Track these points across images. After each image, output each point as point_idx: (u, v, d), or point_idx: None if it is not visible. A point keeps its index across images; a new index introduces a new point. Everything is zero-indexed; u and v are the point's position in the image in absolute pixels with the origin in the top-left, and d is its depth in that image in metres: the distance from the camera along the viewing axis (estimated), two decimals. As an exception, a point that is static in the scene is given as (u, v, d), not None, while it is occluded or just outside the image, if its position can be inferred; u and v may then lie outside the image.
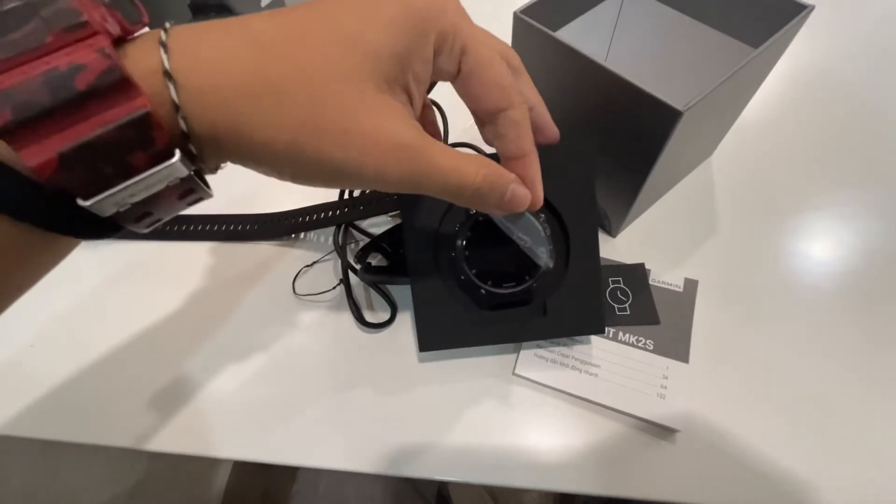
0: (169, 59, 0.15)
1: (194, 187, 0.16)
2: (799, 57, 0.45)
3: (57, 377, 0.31)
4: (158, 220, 0.17)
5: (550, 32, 0.28)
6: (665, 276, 0.33)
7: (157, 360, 0.32)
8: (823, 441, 0.28)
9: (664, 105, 0.24)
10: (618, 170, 0.31)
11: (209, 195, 0.18)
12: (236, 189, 0.39)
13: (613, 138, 0.29)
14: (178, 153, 0.15)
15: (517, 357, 0.30)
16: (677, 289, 0.32)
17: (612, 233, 0.36)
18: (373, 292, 0.34)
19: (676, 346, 0.30)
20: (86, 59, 0.13)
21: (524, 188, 0.20)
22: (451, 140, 0.39)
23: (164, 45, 0.15)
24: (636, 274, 0.33)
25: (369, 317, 0.33)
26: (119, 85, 0.13)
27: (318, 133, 0.16)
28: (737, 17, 0.32)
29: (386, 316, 0.32)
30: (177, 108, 0.15)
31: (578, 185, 0.28)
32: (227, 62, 0.15)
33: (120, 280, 0.36)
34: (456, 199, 0.19)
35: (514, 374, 0.30)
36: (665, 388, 0.29)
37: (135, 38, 0.15)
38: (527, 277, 0.28)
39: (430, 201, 0.29)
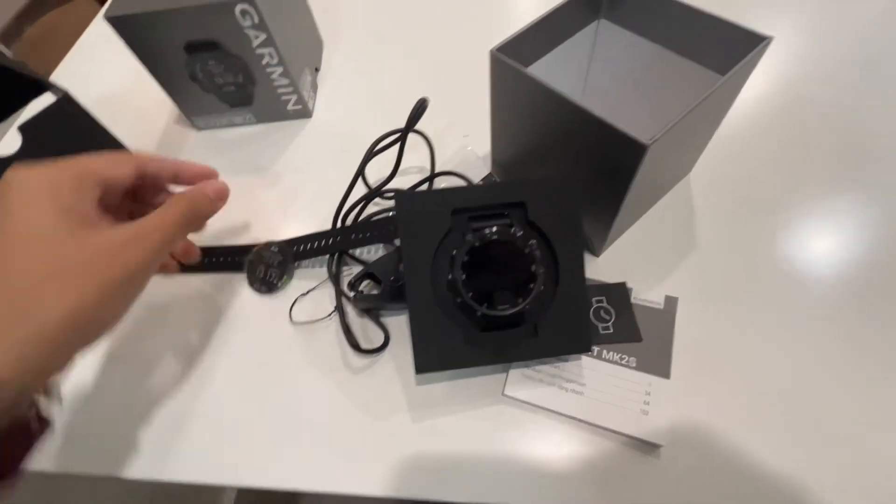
0: None
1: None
2: (773, 73, 0.47)
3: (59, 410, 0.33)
4: None
5: (523, 69, 0.30)
6: (646, 293, 0.34)
7: (154, 390, 0.33)
8: (806, 453, 0.29)
9: (631, 139, 0.26)
10: (595, 196, 0.32)
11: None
12: (232, 219, 0.40)
13: (588, 168, 0.31)
14: None
15: (506, 378, 0.32)
16: (658, 306, 0.34)
17: (595, 253, 0.37)
18: (367, 319, 0.35)
19: (658, 363, 0.31)
20: None
21: (213, 183, 0.30)
22: (437, 168, 0.40)
23: None
24: (618, 293, 0.34)
25: (364, 343, 0.34)
26: None
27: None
28: (704, 47, 0.34)
29: (380, 342, 0.34)
30: None
31: (566, 213, 0.30)
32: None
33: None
34: (192, 228, 0.28)
35: (503, 394, 0.31)
36: (648, 403, 0.30)
37: None
38: (520, 300, 0.29)
39: (426, 227, 0.30)
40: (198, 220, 0.29)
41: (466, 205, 0.30)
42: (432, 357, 0.30)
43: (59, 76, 0.56)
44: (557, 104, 0.29)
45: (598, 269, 0.36)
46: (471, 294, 0.29)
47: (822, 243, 0.37)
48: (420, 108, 0.35)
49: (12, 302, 0.20)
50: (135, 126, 0.49)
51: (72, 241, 0.22)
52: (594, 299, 0.34)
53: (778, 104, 0.45)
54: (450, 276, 0.30)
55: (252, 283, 0.36)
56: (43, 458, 0.31)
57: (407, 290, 0.30)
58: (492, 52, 0.31)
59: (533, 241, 0.29)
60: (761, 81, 0.46)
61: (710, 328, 0.33)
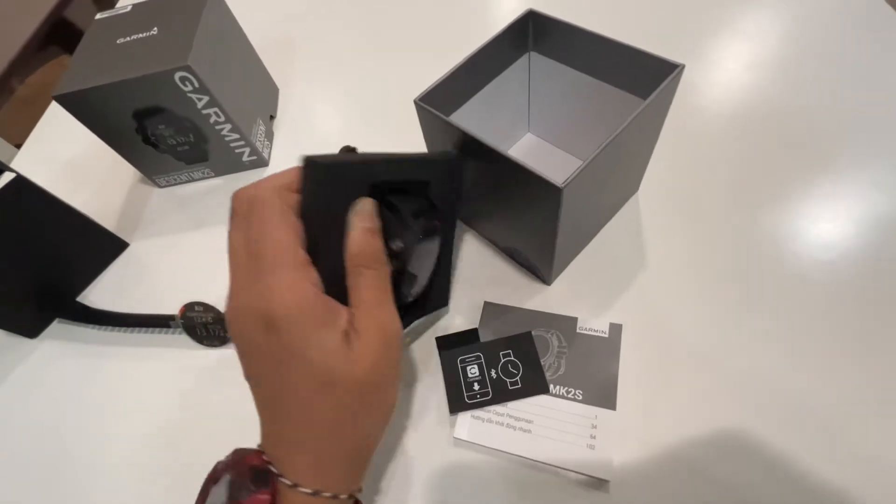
0: None
1: None
2: (715, 84, 0.47)
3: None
4: None
5: (444, 117, 0.31)
6: (595, 319, 0.35)
7: (147, 448, 0.34)
8: (759, 479, 0.28)
9: (546, 182, 0.26)
10: (532, 231, 0.33)
11: None
12: (200, 273, 0.41)
13: (520, 206, 0.31)
14: None
15: (455, 420, 0.32)
16: (603, 335, 0.34)
17: (547, 281, 0.37)
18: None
19: (604, 394, 0.31)
20: None
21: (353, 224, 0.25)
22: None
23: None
24: (524, 344, 0.34)
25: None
26: None
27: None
28: (626, 74, 0.34)
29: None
30: None
31: (454, 193, 0.32)
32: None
33: (103, 366, 0.38)
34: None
35: (453, 437, 0.32)
36: (594, 437, 0.30)
37: None
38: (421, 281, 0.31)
39: (340, 201, 0.25)
40: (381, 258, 0.25)
41: (386, 178, 0.27)
42: None
43: (33, 140, 0.59)
44: (480, 150, 0.29)
45: (550, 297, 0.37)
46: None
47: (768, 257, 0.36)
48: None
49: (340, 431, 0.23)
50: (102, 186, 0.51)
51: (350, 358, 0.22)
52: (501, 353, 0.34)
53: (724, 112, 0.45)
54: None
55: (201, 342, 0.37)
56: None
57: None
58: (415, 101, 0.32)
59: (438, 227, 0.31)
60: (706, 91, 0.47)
61: (653, 354, 0.33)
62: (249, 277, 0.22)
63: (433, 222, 0.31)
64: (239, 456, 0.24)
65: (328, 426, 0.23)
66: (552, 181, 0.26)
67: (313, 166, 0.24)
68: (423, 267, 0.31)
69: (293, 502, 0.22)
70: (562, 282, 0.37)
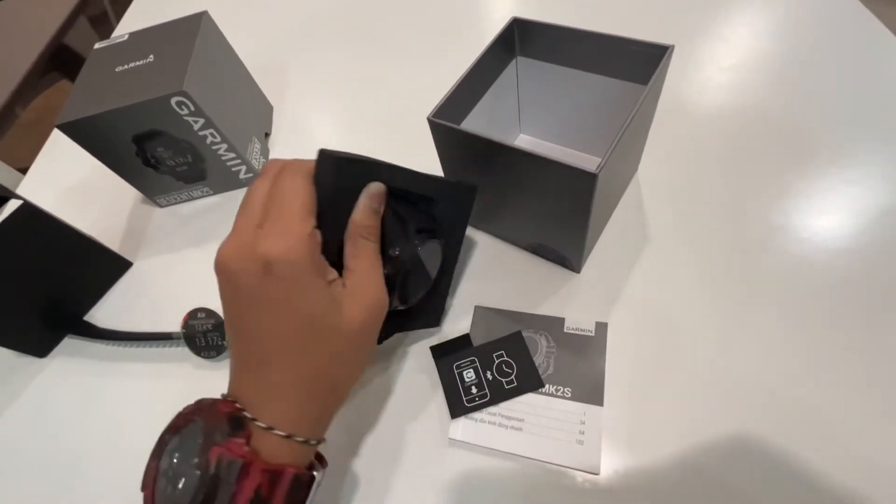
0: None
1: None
2: (700, 69, 0.48)
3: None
4: None
5: (462, 128, 0.32)
6: (579, 321, 0.36)
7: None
8: (746, 475, 0.29)
9: (580, 171, 0.27)
10: (561, 223, 0.34)
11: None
12: (207, 289, 0.43)
13: (548, 201, 0.33)
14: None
15: (450, 422, 0.33)
16: (589, 333, 0.35)
17: (576, 270, 0.39)
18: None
19: (591, 391, 0.33)
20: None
21: (361, 202, 0.27)
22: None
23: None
24: (515, 343, 0.35)
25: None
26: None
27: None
28: (617, 63, 0.36)
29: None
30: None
31: (461, 215, 0.34)
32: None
33: (101, 383, 0.40)
34: (378, 249, 0.28)
35: (449, 438, 0.33)
36: (583, 433, 0.31)
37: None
38: (417, 294, 0.32)
39: (351, 198, 0.27)
40: (378, 232, 0.28)
41: (394, 185, 0.29)
42: None
43: (39, 164, 0.60)
44: (502, 152, 0.30)
45: (581, 284, 0.38)
46: None
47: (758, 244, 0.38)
48: None
49: (314, 374, 0.25)
50: (106, 208, 0.52)
51: (338, 310, 0.25)
52: (494, 355, 0.35)
53: (711, 103, 0.47)
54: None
55: (199, 353, 0.38)
56: None
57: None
58: (429, 119, 0.33)
59: (443, 243, 0.32)
60: (691, 77, 0.48)
61: (639, 352, 0.34)
62: (257, 223, 0.24)
63: (435, 241, 0.32)
64: (206, 404, 0.25)
65: (309, 373, 0.25)
66: (587, 169, 0.27)
67: (327, 159, 0.25)
68: (417, 284, 0.32)
69: (267, 444, 0.23)
70: (588, 269, 0.39)
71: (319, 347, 0.25)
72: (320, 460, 0.28)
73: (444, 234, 0.33)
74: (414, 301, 0.32)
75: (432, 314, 0.37)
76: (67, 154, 0.59)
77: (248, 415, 0.24)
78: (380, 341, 0.36)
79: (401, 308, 0.32)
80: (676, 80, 0.49)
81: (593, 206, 0.30)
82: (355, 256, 0.26)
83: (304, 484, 0.24)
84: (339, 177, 0.25)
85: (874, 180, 0.39)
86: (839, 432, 0.30)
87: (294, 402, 0.25)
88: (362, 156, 0.27)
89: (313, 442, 0.25)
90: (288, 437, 0.24)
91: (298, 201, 0.24)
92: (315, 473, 0.25)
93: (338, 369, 0.26)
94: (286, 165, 0.25)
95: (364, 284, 0.26)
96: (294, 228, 0.23)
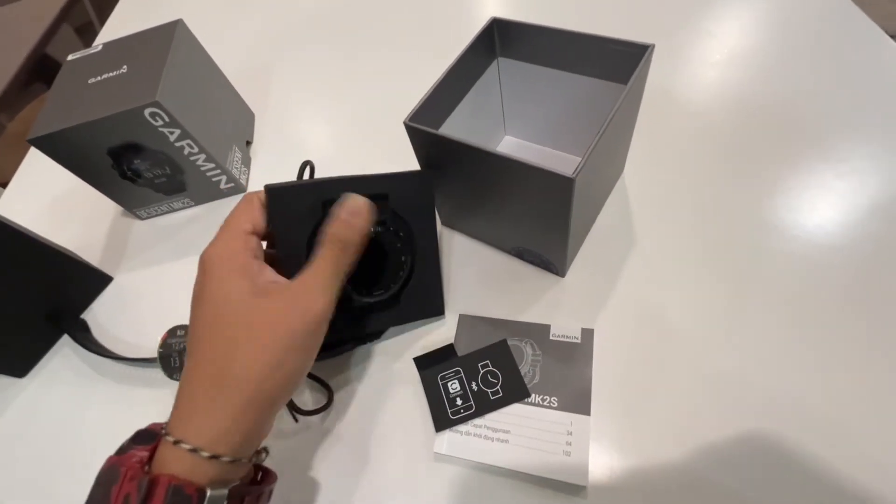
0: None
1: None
2: (685, 69, 0.48)
3: None
4: None
5: (438, 132, 0.31)
6: (565, 328, 0.35)
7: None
8: (737, 482, 0.29)
9: (556, 175, 0.27)
10: (543, 227, 0.34)
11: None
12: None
13: (527, 205, 0.32)
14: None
15: (435, 436, 0.32)
16: (575, 340, 0.34)
17: (560, 274, 0.38)
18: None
19: (578, 400, 0.32)
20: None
21: (344, 207, 0.29)
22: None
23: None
24: (500, 352, 0.35)
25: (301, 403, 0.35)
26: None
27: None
28: (598, 63, 0.35)
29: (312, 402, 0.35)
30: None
31: (423, 202, 0.34)
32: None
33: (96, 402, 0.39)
34: (350, 257, 0.28)
35: (434, 452, 0.32)
36: (570, 444, 0.30)
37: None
38: (392, 285, 0.34)
39: (299, 220, 0.30)
40: (349, 248, 0.28)
41: (337, 195, 0.30)
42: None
43: (19, 178, 0.59)
44: (479, 156, 0.30)
45: (566, 289, 0.37)
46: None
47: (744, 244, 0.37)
48: (302, 171, 0.35)
49: (216, 366, 0.24)
50: (86, 222, 0.51)
51: (255, 300, 0.25)
52: (479, 365, 0.34)
53: (698, 98, 0.46)
54: None
55: (172, 375, 0.37)
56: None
57: None
58: (405, 123, 0.32)
59: (401, 234, 0.33)
60: (674, 76, 0.47)
61: (625, 359, 0.33)
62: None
63: (398, 233, 0.33)
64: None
65: (213, 369, 0.24)
66: (562, 174, 0.27)
67: (272, 192, 0.30)
68: (382, 273, 0.34)
69: (172, 457, 0.22)
70: (574, 273, 0.38)
71: (225, 333, 0.24)
72: (266, 476, 0.27)
73: (409, 225, 0.34)
74: (385, 294, 0.34)
75: (430, 303, 0.37)
76: (47, 168, 0.57)
77: (163, 430, 0.23)
78: (374, 338, 0.38)
79: (371, 301, 0.33)
80: (664, 76, 0.48)
81: (573, 209, 0.29)
82: (316, 258, 0.27)
83: (185, 497, 0.22)
84: (287, 204, 0.30)
85: (865, 175, 0.39)
86: (839, 432, 0.29)
87: (199, 404, 0.23)
88: (305, 180, 0.32)
89: (226, 459, 0.23)
90: (194, 450, 0.22)
91: (238, 218, 0.28)
92: (209, 490, 0.22)
93: (248, 363, 0.24)
94: (246, 195, 0.30)
95: (302, 284, 0.26)
96: (225, 235, 0.27)
